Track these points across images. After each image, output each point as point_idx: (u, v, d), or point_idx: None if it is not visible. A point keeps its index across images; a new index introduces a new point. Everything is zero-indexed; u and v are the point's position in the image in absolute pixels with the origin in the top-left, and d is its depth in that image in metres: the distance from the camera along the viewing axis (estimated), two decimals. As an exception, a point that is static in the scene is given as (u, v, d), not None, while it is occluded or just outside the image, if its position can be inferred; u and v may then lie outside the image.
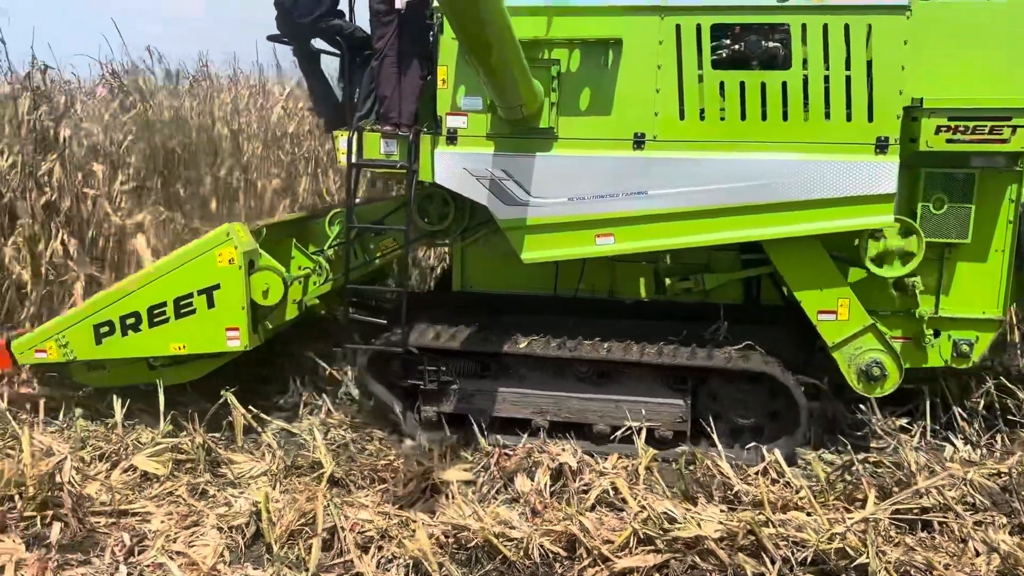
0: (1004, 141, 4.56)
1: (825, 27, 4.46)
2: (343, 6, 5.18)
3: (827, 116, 4.55)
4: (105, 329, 5.12)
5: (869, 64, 4.47)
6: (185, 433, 5.01)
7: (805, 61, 4.53)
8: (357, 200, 6.73)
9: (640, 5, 4.62)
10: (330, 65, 5.67)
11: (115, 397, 5.18)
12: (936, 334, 5.07)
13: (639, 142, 4.73)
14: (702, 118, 4.67)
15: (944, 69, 4.64)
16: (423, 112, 5.00)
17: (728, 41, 4.75)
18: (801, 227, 4.66)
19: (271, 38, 5.32)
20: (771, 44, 4.63)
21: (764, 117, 4.61)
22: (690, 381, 5.02)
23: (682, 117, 4.69)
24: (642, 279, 5.51)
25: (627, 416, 5.06)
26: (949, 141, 4.58)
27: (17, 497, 4.26)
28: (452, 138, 4.91)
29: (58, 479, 4.31)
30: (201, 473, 4.74)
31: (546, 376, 5.16)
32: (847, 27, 4.45)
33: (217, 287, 4.96)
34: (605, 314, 5.42)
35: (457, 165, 4.90)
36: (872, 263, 4.85)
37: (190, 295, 4.99)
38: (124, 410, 5.15)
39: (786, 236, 4.71)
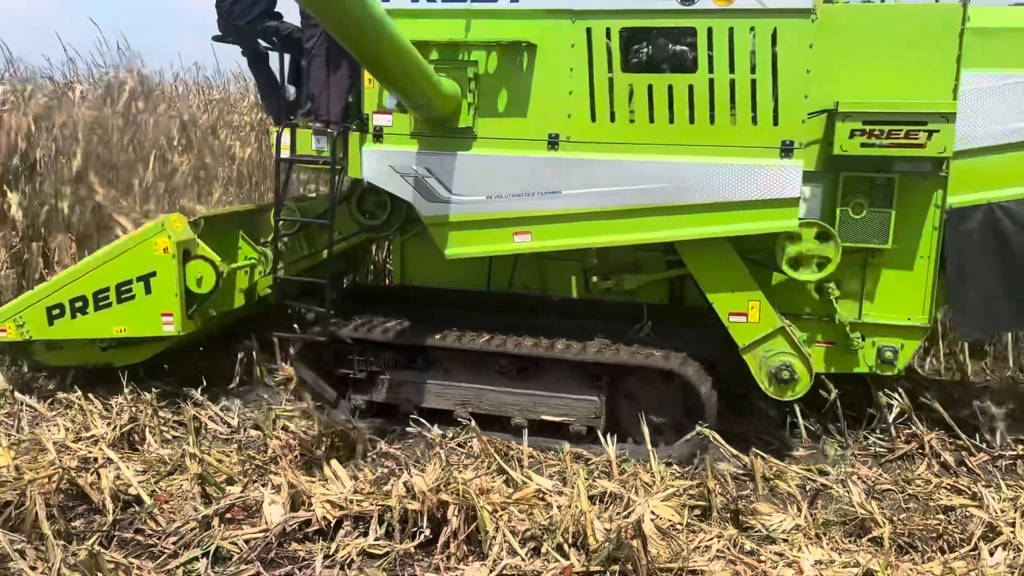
0: (920, 146, 4.53)
1: (731, 30, 4.51)
2: (280, 8, 5.41)
3: (733, 120, 4.60)
4: (56, 311, 5.44)
5: (774, 67, 4.49)
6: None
7: (711, 64, 4.58)
8: (314, 195, 6.97)
9: (553, 8, 4.73)
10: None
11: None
12: (863, 339, 5.06)
13: (553, 143, 4.84)
14: (612, 120, 4.76)
15: (860, 74, 4.64)
16: (353, 110, 5.19)
17: (637, 45, 4.82)
18: (708, 229, 4.71)
19: (216, 39, 5.57)
20: (679, 47, 4.70)
21: (672, 120, 4.68)
22: (604, 378, 5.10)
23: (593, 119, 4.78)
24: (572, 277, 5.62)
25: (544, 410, 5.18)
26: (864, 145, 4.57)
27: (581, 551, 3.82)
28: (378, 136, 5.09)
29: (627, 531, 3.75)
30: (723, 524, 4.18)
31: (469, 370, 5.30)
32: (752, 30, 4.49)
33: (153, 274, 5.23)
34: (536, 312, 5.55)
35: (383, 162, 5.08)
36: (788, 266, 4.86)
37: (130, 281, 5.28)
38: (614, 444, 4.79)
39: (693, 238, 4.77)
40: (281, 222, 5.57)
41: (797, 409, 5.26)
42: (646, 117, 4.71)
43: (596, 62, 4.71)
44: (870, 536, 4.08)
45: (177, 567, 3.73)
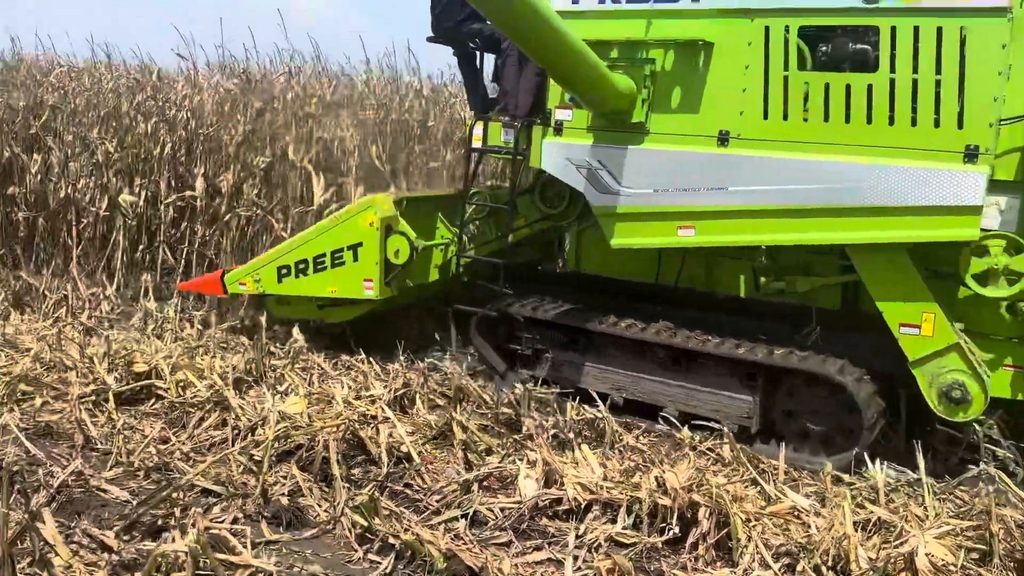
0: None
1: (916, 29, 4.32)
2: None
3: (914, 122, 4.40)
4: (284, 271, 6.38)
5: (962, 68, 4.24)
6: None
7: (893, 64, 4.41)
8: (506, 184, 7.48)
9: (731, 8, 4.79)
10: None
11: None
12: None
13: (723, 139, 4.90)
14: (785, 118, 4.73)
15: None
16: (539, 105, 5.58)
17: (816, 43, 4.74)
18: (879, 234, 4.55)
19: (430, 40, 6.21)
20: (859, 46, 4.56)
21: (848, 120, 4.56)
22: (760, 378, 5.08)
23: (766, 117, 4.78)
24: (741, 276, 5.56)
25: (697, 404, 5.25)
26: None
27: None
28: (559, 129, 5.43)
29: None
30: (1005, 573, 3.80)
31: (627, 356, 5.50)
32: (940, 30, 4.27)
33: (360, 245, 5.97)
34: (702, 307, 5.62)
35: (561, 154, 5.42)
36: (975, 281, 4.55)
37: (342, 249, 6.07)
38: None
39: (863, 242, 4.62)
40: (471, 207, 6.11)
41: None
42: (821, 116, 4.63)
43: (772, 60, 4.72)
44: None
45: (439, 523, 3.92)
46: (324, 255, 6.18)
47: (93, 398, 5.09)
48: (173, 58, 9.51)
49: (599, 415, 5.08)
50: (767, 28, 4.70)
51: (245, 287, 6.61)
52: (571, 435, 4.77)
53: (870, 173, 4.51)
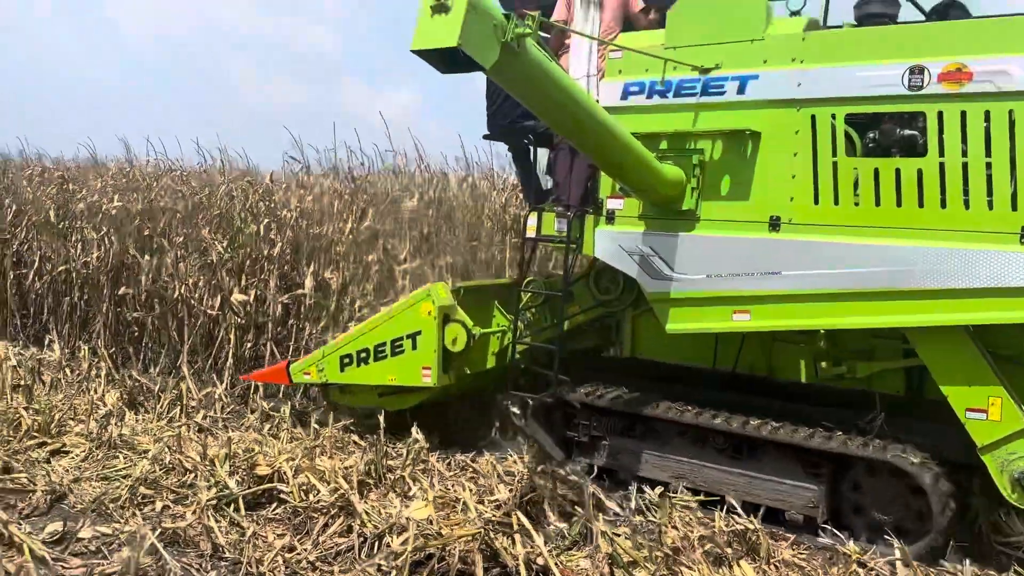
0: None
1: (963, 114, 4.36)
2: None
3: (966, 205, 4.39)
4: (347, 360, 6.56)
5: (1012, 150, 4.25)
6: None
7: (942, 148, 4.44)
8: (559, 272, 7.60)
9: (778, 99, 4.92)
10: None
11: None
12: None
13: (775, 224, 4.95)
14: (836, 203, 4.77)
15: None
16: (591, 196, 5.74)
17: (862, 130, 4.80)
18: (936, 316, 4.49)
19: (485, 137, 6.50)
20: (906, 132, 4.61)
21: (899, 203, 4.58)
22: (825, 467, 4.95)
23: (816, 202, 4.83)
24: (801, 361, 5.51)
25: (761, 493, 5.14)
26: None
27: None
28: (611, 218, 5.57)
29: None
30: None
31: (687, 443, 5.44)
32: (987, 113, 4.30)
33: (419, 333, 6.13)
34: (761, 393, 5.55)
35: (614, 242, 5.53)
36: None
37: (401, 338, 6.23)
38: None
39: (919, 325, 4.56)
40: (527, 294, 6.23)
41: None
42: (872, 200, 4.66)
43: (820, 147, 4.80)
44: None
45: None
46: (384, 344, 6.34)
47: (215, 502, 4.98)
48: (277, 162, 9.99)
49: (750, 526, 4.61)
50: (813, 117, 4.80)
51: (309, 376, 6.80)
52: (728, 550, 4.45)
53: (925, 256, 4.48)
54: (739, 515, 4.68)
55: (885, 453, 4.66)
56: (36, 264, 10.21)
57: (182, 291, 8.66)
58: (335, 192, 9.41)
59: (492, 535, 4.39)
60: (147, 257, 9.01)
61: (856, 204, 4.72)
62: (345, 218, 8.88)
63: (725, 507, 4.87)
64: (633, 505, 5.07)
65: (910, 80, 4.53)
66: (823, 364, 5.26)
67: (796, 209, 4.89)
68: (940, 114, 4.43)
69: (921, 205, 4.52)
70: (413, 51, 3.58)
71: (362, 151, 10.88)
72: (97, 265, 9.45)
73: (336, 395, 7.06)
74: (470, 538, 4.34)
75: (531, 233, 5.98)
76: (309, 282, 8.27)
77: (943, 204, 4.47)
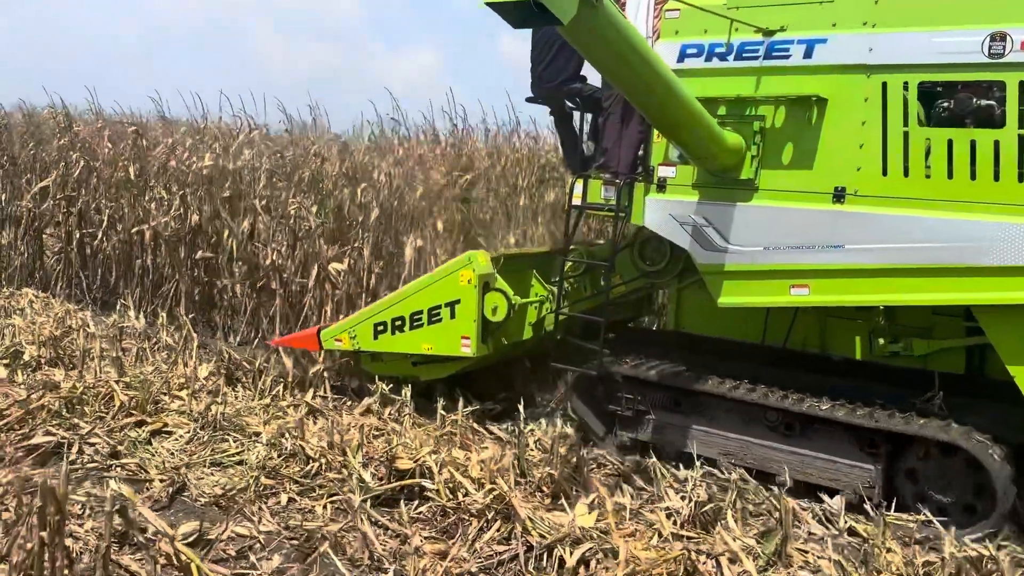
0: None
1: (1047, 83, 4.16)
2: (584, 71, 5.97)
3: (1046, 179, 4.21)
4: (381, 328, 6.39)
5: (1099, 122, 4.06)
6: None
7: (1022, 120, 4.24)
8: (601, 241, 7.43)
9: (847, 64, 4.71)
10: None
11: None
12: None
13: (839, 196, 4.77)
14: (906, 175, 4.59)
15: None
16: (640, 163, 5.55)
17: (937, 99, 4.60)
18: (1009, 295, 4.32)
19: (528, 100, 6.28)
20: (984, 102, 4.41)
21: (973, 177, 4.40)
22: (883, 446, 4.83)
23: (885, 173, 4.64)
24: (856, 337, 5.35)
25: (814, 472, 5.02)
26: None
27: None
28: (662, 186, 5.38)
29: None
30: None
31: (735, 420, 5.31)
32: (1074, 82, 4.11)
33: (458, 302, 5.96)
34: (812, 370, 5.41)
35: (664, 211, 5.35)
36: None
37: (439, 306, 6.06)
38: None
39: (991, 303, 4.40)
40: (568, 263, 6.06)
41: None
42: (944, 173, 4.48)
43: (891, 116, 4.60)
44: None
45: None
46: (421, 312, 6.18)
47: (347, 499, 4.51)
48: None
49: (985, 552, 4.03)
50: (884, 84, 4.60)
51: (341, 343, 6.65)
52: None
53: (999, 231, 4.31)
54: (972, 539, 4.31)
55: (952, 433, 4.53)
56: (104, 224, 9.45)
57: (274, 258, 8.05)
58: (439, 154, 9.05)
59: (694, 556, 3.93)
60: (238, 219, 8.35)
61: (927, 177, 4.53)
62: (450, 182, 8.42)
63: (953, 530, 4.32)
64: (842, 524, 4.54)
65: (991, 47, 4.32)
66: (880, 341, 5.11)
67: (863, 180, 4.70)
68: (1021, 84, 4.23)
69: (997, 179, 4.34)
70: (487, 3, 3.37)
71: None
72: (177, 227, 8.74)
73: (367, 362, 6.92)
74: (670, 560, 3.89)
75: (577, 201, 5.79)
76: (409, 251, 7.50)
77: (1021, 178, 4.29)
